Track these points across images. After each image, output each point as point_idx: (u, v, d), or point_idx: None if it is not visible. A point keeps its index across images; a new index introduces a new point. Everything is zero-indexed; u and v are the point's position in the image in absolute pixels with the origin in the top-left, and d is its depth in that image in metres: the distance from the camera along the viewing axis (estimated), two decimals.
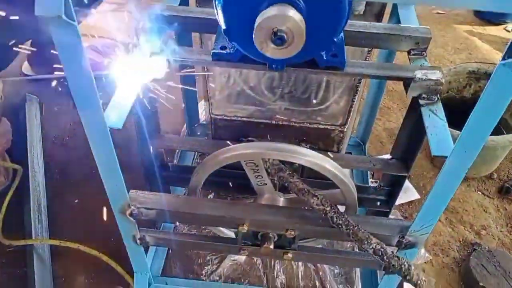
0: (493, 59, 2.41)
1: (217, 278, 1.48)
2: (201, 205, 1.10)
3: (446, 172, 0.89)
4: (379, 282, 1.34)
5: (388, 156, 1.27)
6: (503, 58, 0.67)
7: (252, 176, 1.13)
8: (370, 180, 1.73)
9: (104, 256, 1.44)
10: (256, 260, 1.52)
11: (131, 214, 1.10)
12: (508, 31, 2.59)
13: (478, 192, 1.82)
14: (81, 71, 0.74)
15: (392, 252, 1.01)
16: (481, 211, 1.74)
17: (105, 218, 1.25)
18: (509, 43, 0.65)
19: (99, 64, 1.43)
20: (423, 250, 1.57)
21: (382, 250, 1.00)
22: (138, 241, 1.20)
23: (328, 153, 1.20)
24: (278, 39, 0.79)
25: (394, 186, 1.32)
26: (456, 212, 1.73)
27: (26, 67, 2.13)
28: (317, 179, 1.24)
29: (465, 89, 1.94)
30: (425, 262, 1.56)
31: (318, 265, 1.51)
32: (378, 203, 1.35)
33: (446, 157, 0.88)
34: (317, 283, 1.48)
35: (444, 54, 2.46)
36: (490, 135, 0.81)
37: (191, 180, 1.18)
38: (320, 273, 1.50)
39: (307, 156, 1.05)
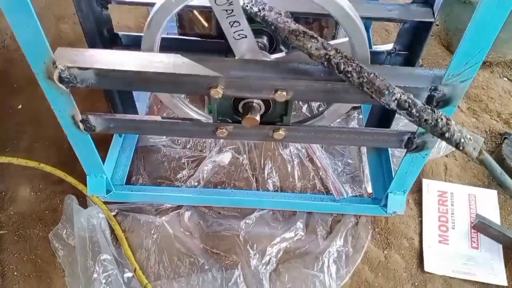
0: None
1: (195, 183, 1.20)
2: (156, 62, 0.79)
3: None
4: (393, 175, 1.07)
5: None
6: None
7: (226, 24, 0.81)
8: None
9: (46, 166, 1.16)
10: (243, 160, 1.24)
11: (60, 80, 0.79)
12: None
13: (504, 78, 1.53)
14: None
15: (423, 103, 0.72)
16: (509, 98, 1.47)
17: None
18: None
19: None
20: (443, 143, 1.30)
21: (410, 100, 0.72)
22: (80, 124, 0.90)
23: None
24: None
25: (413, 48, 1.03)
26: (480, 101, 1.45)
27: None
28: None
29: None
30: (446, 156, 1.30)
31: (318, 162, 1.24)
32: None
33: None
34: (317, 183, 1.21)
35: None
36: None
37: (142, 39, 0.87)
38: (321, 173, 1.22)
39: None
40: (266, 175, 1.22)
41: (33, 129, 1.33)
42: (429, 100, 0.80)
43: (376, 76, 0.73)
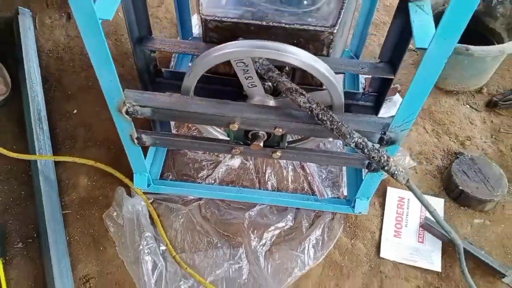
0: None
1: (212, 181, 1.57)
2: (194, 104, 1.15)
3: (425, 63, 0.92)
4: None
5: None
6: None
7: (242, 77, 1.16)
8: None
9: (101, 164, 1.52)
10: (249, 165, 1.60)
11: (127, 112, 1.15)
12: None
13: (467, 105, 1.86)
14: None
15: (373, 145, 1.08)
16: (468, 123, 1.80)
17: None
18: None
19: None
20: (408, 158, 1.65)
21: (364, 143, 1.07)
22: (135, 140, 1.26)
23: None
24: None
25: (381, 91, 1.37)
26: (443, 124, 1.79)
27: None
28: (306, 85, 1.29)
29: None
30: (410, 168, 1.65)
31: (307, 169, 1.60)
32: (365, 109, 1.41)
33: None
34: (306, 186, 1.57)
35: None
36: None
37: (183, 84, 1.22)
38: (309, 178, 1.59)
39: (296, 55, 1.08)
40: (266, 177, 1.58)
41: (86, 132, 1.69)
42: (381, 139, 1.15)
43: (342, 124, 1.08)
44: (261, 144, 1.20)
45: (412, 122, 1.09)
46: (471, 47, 1.59)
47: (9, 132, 1.66)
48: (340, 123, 1.07)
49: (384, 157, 1.07)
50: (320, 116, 1.08)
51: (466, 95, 1.89)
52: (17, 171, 1.56)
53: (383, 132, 1.13)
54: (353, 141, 1.07)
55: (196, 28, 1.91)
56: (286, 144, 1.25)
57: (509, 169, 1.65)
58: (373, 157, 1.07)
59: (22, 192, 1.53)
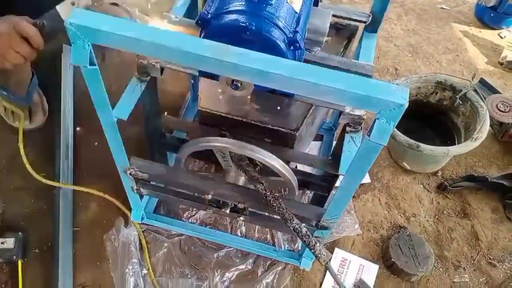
0: (476, 64, 2.65)
1: (194, 221, 1.94)
2: (180, 175, 1.52)
3: (342, 185, 1.25)
4: None
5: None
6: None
7: (221, 159, 1.53)
8: None
9: (109, 196, 1.92)
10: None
11: (130, 174, 1.53)
12: (501, 37, 2.78)
13: (420, 185, 2.19)
14: (99, 93, 1.14)
15: (306, 231, 1.43)
16: (417, 201, 2.13)
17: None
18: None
19: None
20: (357, 225, 1.99)
21: (299, 229, 1.42)
22: (135, 190, 1.64)
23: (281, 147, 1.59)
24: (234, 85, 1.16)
25: (333, 178, 1.72)
26: (395, 199, 2.12)
27: None
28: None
29: (432, 96, 2.24)
30: (357, 235, 1.99)
31: None
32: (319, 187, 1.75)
33: None
34: (268, 237, 1.93)
35: (434, 53, 2.70)
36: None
37: (178, 153, 1.60)
38: (273, 231, 1.95)
39: (260, 154, 1.44)
40: (238, 225, 1.95)
41: (103, 165, 2.08)
42: (317, 224, 1.50)
43: (286, 211, 1.43)
44: (228, 211, 1.57)
45: (337, 220, 1.43)
46: (422, 145, 1.92)
47: (42, 154, 2.07)
48: (284, 210, 1.43)
49: (312, 242, 1.41)
50: (271, 202, 1.44)
51: (422, 175, 2.21)
52: (43, 188, 1.96)
53: (318, 220, 1.48)
54: (292, 226, 1.42)
55: None
56: (248, 212, 1.62)
57: (441, 248, 1.98)
58: (304, 241, 1.42)
59: (45, 206, 1.93)
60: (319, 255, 1.43)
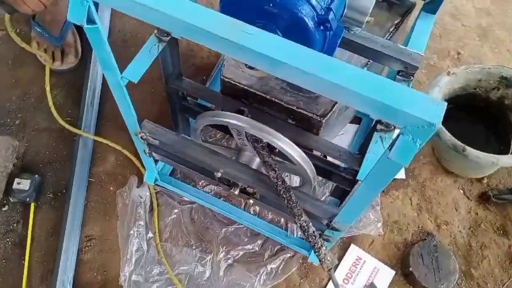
0: None
1: (209, 191, 1.87)
2: (191, 147, 1.42)
3: (357, 193, 1.11)
4: None
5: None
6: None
7: (236, 137, 1.41)
8: None
9: (128, 152, 1.87)
10: None
11: (142, 138, 1.45)
12: None
13: (460, 190, 1.97)
14: (104, 53, 1.04)
15: (314, 231, 1.30)
16: (453, 208, 1.92)
17: None
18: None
19: None
20: (380, 224, 1.84)
21: (306, 227, 1.30)
22: (147, 153, 1.58)
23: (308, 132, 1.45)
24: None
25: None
26: (429, 201, 1.93)
27: None
28: None
29: (493, 91, 1.96)
30: (379, 235, 1.84)
31: None
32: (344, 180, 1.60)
33: None
34: (282, 220, 1.83)
35: (506, 39, 2.35)
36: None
37: (194, 123, 1.50)
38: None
39: (277, 139, 1.30)
40: (252, 203, 1.85)
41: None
42: (328, 224, 1.37)
43: (296, 205, 1.31)
44: (236, 192, 1.47)
45: (350, 224, 1.29)
46: (468, 149, 1.69)
47: (70, 98, 2.04)
48: (294, 204, 1.31)
49: (318, 244, 1.30)
50: (281, 193, 1.32)
51: (464, 180, 1.98)
52: (66, 133, 1.95)
53: (330, 220, 1.35)
54: (299, 222, 1.31)
55: None
56: (259, 196, 1.51)
57: (469, 265, 1.79)
58: (309, 241, 1.30)
59: (65, 152, 1.93)
60: (323, 260, 1.31)
